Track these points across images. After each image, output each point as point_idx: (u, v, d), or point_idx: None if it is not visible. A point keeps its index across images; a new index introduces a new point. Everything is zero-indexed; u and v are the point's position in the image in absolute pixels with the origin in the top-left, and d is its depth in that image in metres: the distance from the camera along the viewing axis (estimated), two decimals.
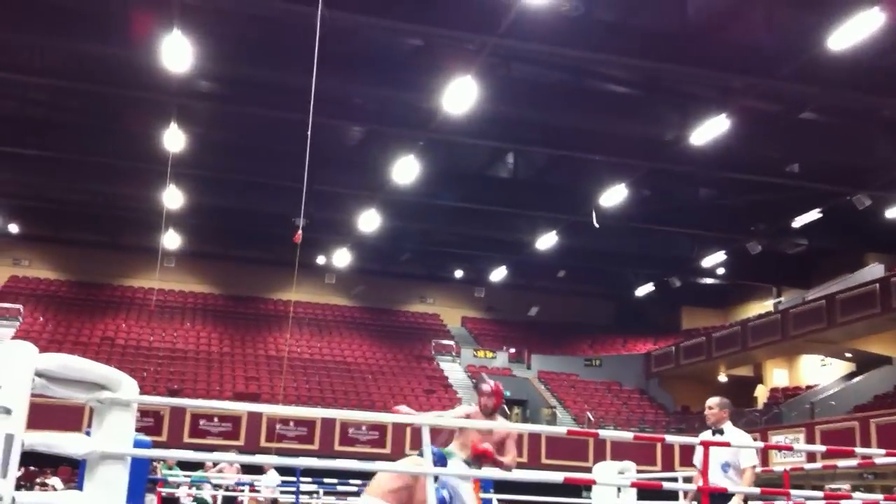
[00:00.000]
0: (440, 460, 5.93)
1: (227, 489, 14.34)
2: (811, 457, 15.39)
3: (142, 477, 8.84)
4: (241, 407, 7.16)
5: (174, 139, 20.26)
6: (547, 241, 27.57)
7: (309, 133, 13.95)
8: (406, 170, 22.00)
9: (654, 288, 33.92)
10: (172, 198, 23.42)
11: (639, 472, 9.66)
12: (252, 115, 21.62)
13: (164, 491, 13.14)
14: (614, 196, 23.31)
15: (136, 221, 28.68)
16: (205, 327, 31.68)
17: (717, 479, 6.40)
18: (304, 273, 31.22)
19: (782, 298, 31.03)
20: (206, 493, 14.10)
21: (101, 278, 33.01)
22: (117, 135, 22.22)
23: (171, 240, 29.04)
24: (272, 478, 13.99)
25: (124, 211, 29.04)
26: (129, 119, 21.96)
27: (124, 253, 32.42)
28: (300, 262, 17.01)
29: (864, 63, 16.79)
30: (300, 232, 14.08)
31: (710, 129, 19.05)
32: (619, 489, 8.74)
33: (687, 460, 22.50)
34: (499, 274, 33.40)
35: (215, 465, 14.83)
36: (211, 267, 33.99)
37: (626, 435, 5.76)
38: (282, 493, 13.91)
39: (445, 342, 33.81)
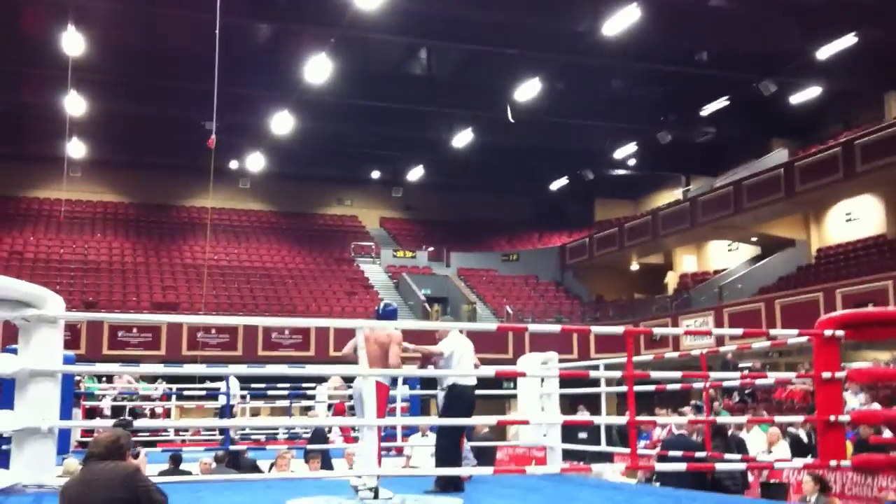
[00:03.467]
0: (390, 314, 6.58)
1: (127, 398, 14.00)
2: (721, 339, 16.16)
3: (69, 392, 8.80)
4: (162, 318, 7.10)
5: (73, 42, 19.32)
6: (463, 138, 27.53)
7: (217, 32, 13.51)
8: (318, 69, 21.53)
9: (568, 182, 34.40)
10: (75, 104, 22.48)
11: (559, 361, 10.00)
12: (154, 15, 20.73)
13: (88, 404, 13.07)
14: (529, 91, 23.33)
15: (39, 130, 27.48)
16: (117, 238, 30.96)
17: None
18: (218, 179, 30.56)
19: (691, 187, 31.83)
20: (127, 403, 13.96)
21: (5, 190, 31.74)
22: (12, 39, 21.06)
23: (76, 148, 27.99)
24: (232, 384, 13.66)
25: (25, 119, 27.78)
26: (23, 22, 20.79)
27: (28, 163, 31.09)
28: (213, 168, 16.67)
29: None
30: (214, 136, 13.76)
31: (621, 20, 19.12)
32: (542, 379, 9.06)
33: (601, 348, 23.35)
34: (416, 173, 33.31)
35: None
36: (120, 175, 32.96)
37: (553, 328, 5.94)
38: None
39: (365, 244, 33.85)
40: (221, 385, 13.57)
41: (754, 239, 27.77)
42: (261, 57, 23.17)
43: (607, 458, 9.09)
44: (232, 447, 10.16)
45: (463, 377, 6.63)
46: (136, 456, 7.09)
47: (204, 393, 13.65)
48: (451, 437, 6.77)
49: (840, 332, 5.99)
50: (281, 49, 22.88)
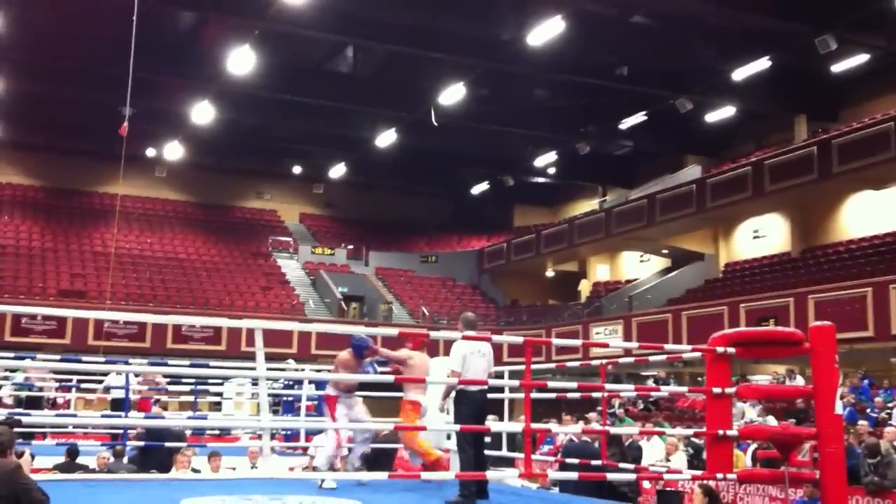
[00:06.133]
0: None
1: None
2: (627, 349, 16.56)
3: None
4: (67, 313, 6.96)
5: None
6: (386, 138, 27.54)
7: (135, 18, 13.26)
8: (241, 60, 21.28)
9: (488, 186, 34.71)
10: None
11: None
12: None
13: None
14: (453, 95, 23.49)
15: None
16: (25, 221, 30.01)
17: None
18: (133, 166, 29.93)
19: (608, 197, 32.47)
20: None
21: None
22: None
23: None
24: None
25: None
26: None
27: None
28: (128, 155, 16.35)
29: None
30: (126, 123, 13.52)
31: (545, 31, 19.42)
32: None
33: (513, 353, 23.69)
34: (338, 171, 33.10)
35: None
36: (31, 158, 31.97)
37: (454, 334, 6.04)
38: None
39: (283, 239, 33.56)
40: (108, 379, 13.12)
41: (665, 251, 28.50)
42: (182, 44, 22.76)
43: (509, 462, 9.25)
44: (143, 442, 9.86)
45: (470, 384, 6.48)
46: (21, 455, 6.94)
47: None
48: (469, 447, 6.65)
49: (731, 350, 6.22)
50: (203, 38, 22.52)
